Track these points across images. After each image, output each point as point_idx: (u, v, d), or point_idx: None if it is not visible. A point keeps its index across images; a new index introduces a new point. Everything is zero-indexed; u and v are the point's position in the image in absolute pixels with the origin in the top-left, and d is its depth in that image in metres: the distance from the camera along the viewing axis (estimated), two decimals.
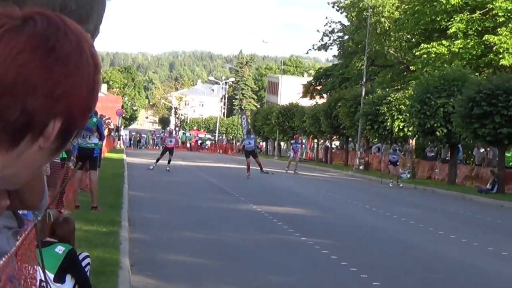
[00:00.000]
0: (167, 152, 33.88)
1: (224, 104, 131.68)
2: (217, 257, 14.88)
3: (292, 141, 43.60)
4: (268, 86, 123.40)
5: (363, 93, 54.68)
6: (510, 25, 46.74)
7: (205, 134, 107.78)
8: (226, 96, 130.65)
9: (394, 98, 50.81)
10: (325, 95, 75.89)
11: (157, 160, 34.21)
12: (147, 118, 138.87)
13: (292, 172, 41.28)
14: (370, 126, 51.20)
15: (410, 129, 47.31)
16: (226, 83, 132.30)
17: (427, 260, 15.11)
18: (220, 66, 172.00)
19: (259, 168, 32.44)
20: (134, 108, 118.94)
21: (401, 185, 34.06)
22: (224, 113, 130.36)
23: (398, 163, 34.94)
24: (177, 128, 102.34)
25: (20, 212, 2.42)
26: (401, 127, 49.04)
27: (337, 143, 73.65)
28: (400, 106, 48.95)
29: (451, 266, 14.32)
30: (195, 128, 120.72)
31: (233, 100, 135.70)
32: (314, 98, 79.11)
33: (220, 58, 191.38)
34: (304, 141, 40.42)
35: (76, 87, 1.37)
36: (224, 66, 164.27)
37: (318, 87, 79.07)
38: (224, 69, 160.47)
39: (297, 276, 12.42)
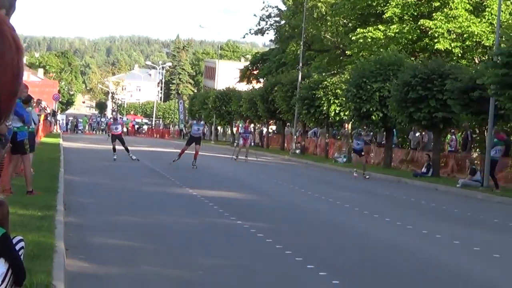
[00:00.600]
0: (116, 139, 30.45)
1: (161, 89, 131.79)
2: (151, 240, 14.86)
3: (241, 131, 41.66)
4: (205, 71, 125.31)
5: (300, 77, 54.66)
6: (445, 10, 47.26)
7: (142, 119, 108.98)
8: (163, 80, 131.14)
9: (331, 82, 50.77)
10: (261, 80, 76.18)
11: (114, 149, 30.93)
12: (84, 103, 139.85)
13: (243, 158, 39.58)
14: (307, 111, 51.39)
15: (346, 113, 47.31)
16: (163, 67, 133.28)
17: (361, 242, 15.15)
18: (157, 51, 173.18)
19: (193, 156, 28.72)
20: (71, 93, 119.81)
21: (367, 176, 31.24)
22: (161, 97, 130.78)
23: (363, 153, 32.29)
24: (113, 113, 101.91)
25: None
26: (337, 111, 48.98)
27: (274, 127, 74.42)
28: (336, 91, 48.74)
29: (384, 247, 14.31)
30: (132, 112, 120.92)
31: (170, 85, 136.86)
32: (251, 83, 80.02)
33: (157, 43, 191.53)
34: (251, 130, 39.37)
35: (0, 73, 1.54)
36: (161, 51, 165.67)
37: (255, 72, 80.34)
38: (161, 54, 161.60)
39: (232, 259, 12.27)
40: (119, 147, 32.26)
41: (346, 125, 49.27)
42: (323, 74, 56.92)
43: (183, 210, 17.63)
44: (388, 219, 19.56)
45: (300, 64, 57.28)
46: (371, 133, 45.69)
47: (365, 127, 45.36)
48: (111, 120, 31.29)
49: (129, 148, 32.98)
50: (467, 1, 47.88)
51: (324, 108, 49.48)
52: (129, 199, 21.58)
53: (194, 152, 27.96)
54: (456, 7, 46.47)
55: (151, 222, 17.52)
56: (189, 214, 17.25)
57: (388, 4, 48.18)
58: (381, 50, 46.54)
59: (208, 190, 21.58)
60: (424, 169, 36.31)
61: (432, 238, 15.83)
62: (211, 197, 21.07)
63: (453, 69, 36.65)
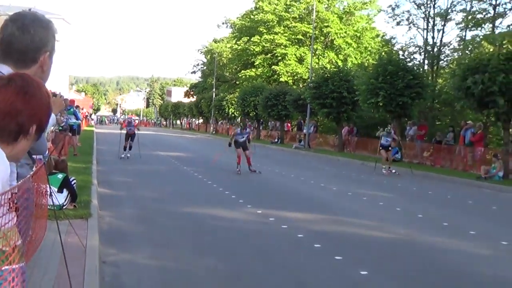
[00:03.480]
0: (129, 138, 25.55)
1: (145, 102, 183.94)
2: (150, 176, 20.78)
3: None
4: (166, 92, 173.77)
5: (214, 95, 71.54)
6: (284, 61, 60.08)
7: (134, 116, 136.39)
8: (145, 97, 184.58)
9: (230, 98, 65.66)
10: (195, 97, 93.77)
11: (125, 148, 25.69)
12: (105, 109, 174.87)
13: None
14: (217, 112, 69.72)
15: (237, 113, 62.69)
16: (145, 91, 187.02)
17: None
18: (142, 82, 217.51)
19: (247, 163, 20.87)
20: (98, 104, 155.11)
21: (394, 171, 24.60)
22: (145, 106, 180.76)
23: (391, 148, 25.14)
24: (128, 117, 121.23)
25: (34, 156, 3.92)
26: (231, 112, 64.70)
27: (201, 120, 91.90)
28: (232, 102, 63.31)
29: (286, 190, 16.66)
30: (129, 114, 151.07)
31: (149, 99, 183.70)
32: (189, 97, 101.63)
33: (142, 78, 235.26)
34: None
35: (41, 107, 2.50)
36: (144, 82, 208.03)
37: (192, 93, 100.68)
38: (144, 84, 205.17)
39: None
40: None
41: (239, 118, 61.55)
42: (225, 93, 70.48)
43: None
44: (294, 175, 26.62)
45: (214, 89, 72.75)
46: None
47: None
48: (126, 121, 26.71)
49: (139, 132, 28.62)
50: (294, 56, 59.59)
51: (226, 110, 66.06)
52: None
53: (237, 158, 20.42)
54: (289, 59, 59.31)
55: (148, 169, 21.59)
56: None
57: (257, 58, 62.30)
58: (253, 81, 60.23)
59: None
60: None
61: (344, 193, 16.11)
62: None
63: (289, 90, 48.89)
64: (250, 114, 56.46)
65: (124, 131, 24.92)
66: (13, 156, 2.44)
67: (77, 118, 25.07)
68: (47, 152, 5.86)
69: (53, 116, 5.08)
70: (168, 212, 11.99)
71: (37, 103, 2.42)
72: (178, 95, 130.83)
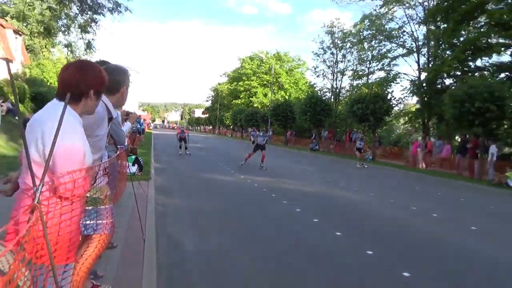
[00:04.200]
0: (182, 141, 19.35)
1: (180, 116, 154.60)
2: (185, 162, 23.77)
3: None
4: (192, 111, 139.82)
5: (218, 114, 68.16)
6: (256, 96, 58.22)
7: (182, 126, 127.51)
8: (180, 114, 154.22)
9: (226, 115, 64.32)
10: (208, 114, 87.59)
11: (180, 147, 19.72)
12: (158, 120, 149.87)
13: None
14: (220, 123, 67.38)
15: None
16: (180, 111, 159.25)
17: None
18: (178, 105, 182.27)
19: (261, 160, 15.32)
20: (154, 118, 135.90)
21: (365, 166, 19.79)
22: (180, 119, 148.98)
23: (362, 150, 20.41)
24: (180, 125, 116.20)
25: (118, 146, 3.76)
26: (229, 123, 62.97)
27: (211, 127, 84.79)
28: (228, 117, 62.20)
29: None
30: (177, 124, 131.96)
31: (182, 115, 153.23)
32: (205, 115, 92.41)
33: (178, 104, 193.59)
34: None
35: (95, 78, 2.15)
36: (179, 105, 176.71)
37: (206, 112, 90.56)
38: (179, 106, 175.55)
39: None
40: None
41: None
42: (224, 113, 67.65)
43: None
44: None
45: (218, 110, 69.77)
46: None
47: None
48: (180, 129, 20.59)
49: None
50: (262, 93, 57.72)
51: (225, 121, 64.89)
52: (174, 147, 21.40)
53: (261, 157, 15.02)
54: (259, 95, 57.76)
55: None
56: None
57: (241, 94, 60.52)
58: (239, 106, 56.97)
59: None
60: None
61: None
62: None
63: (259, 111, 47.44)
64: (238, 124, 55.43)
65: (177, 136, 20.20)
66: (84, 113, 2.19)
67: (140, 125, 23.45)
68: (126, 143, 5.87)
69: (129, 124, 5.14)
70: (194, 177, 11.78)
71: (91, 76, 2.14)
72: (198, 113, 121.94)
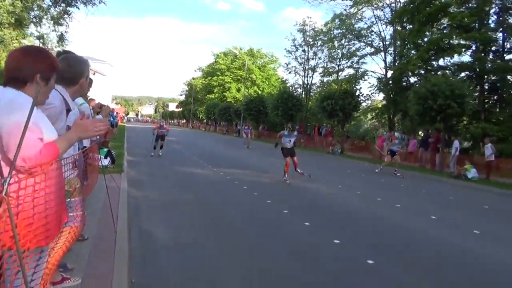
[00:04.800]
0: (159, 139, 15.38)
1: (154, 110, 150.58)
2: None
3: (245, 127, 28.23)
4: (166, 105, 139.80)
5: (191, 108, 67.35)
6: (230, 91, 57.28)
7: (163, 121, 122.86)
8: (154, 108, 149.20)
9: (200, 109, 64.06)
10: (182, 108, 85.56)
11: (155, 148, 15.26)
12: (132, 114, 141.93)
13: (246, 147, 24.56)
14: (194, 117, 67.78)
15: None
16: (154, 104, 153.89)
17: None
18: (152, 99, 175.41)
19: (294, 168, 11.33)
20: (128, 111, 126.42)
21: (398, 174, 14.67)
22: (154, 112, 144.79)
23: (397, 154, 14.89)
24: (160, 121, 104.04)
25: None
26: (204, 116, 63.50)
27: (184, 120, 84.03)
28: (201, 111, 62.71)
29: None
30: (156, 119, 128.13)
31: (156, 109, 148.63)
32: (179, 108, 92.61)
33: (152, 98, 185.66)
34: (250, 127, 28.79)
35: (40, 63, 1.97)
36: (153, 99, 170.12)
37: (180, 106, 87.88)
38: (153, 100, 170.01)
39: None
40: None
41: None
42: (198, 107, 67.62)
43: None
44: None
45: (192, 104, 68.30)
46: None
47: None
48: (159, 124, 15.88)
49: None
50: (235, 88, 57.08)
51: (198, 115, 65.76)
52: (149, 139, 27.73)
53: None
54: (232, 90, 57.26)
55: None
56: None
57: (215, 88, 59.52)
58: (213, 101, 56.87)
59: None
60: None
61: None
62: None
63: (232, 106, 47.44)
64: (211, 118, 55.72)
65: (155, 133, 15.59)
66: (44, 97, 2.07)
67: (113, 118, 22.91)
68: (98, 137, 5.73)
69: (100, 117, 4.98)
70: (167, 170, 11.64)
71: (37, 60, 1.98)
72: (172, 107, 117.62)
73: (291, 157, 11.20)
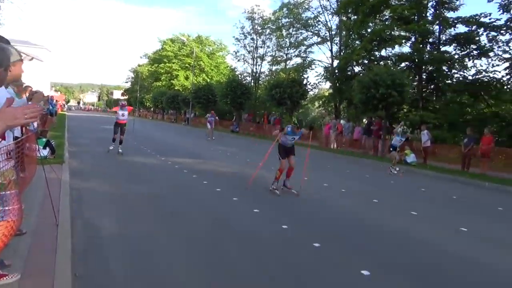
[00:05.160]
0: (119, 129, 12.56)
1: (97, 98, 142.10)
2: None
3: (209, 116, 23.14)
4: (111, 93, 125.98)
5: (138, 96, 64.57)
6: (177, 78, 55.81)
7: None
8: (98, 95, 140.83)
9: (147, 97, 62.63)
10: (127, 95, 79.50)
11: (114, 140, 12.51)
12: (73, 102, 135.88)
13: (210, 139, 21.39)
14: (140, 104, 65.41)
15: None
16: (98, 92, 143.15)
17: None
18: (95, 87, 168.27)
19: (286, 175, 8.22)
20: (69, 99, 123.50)
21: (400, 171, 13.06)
22: (97, 100, 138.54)
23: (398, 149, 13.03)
24: (121, 101, 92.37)
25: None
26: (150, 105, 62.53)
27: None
28: (148, 99, 61.05)
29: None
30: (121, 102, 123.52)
31: (100, 96, 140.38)
32: (125, 96, 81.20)
33: (96, 85, 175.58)
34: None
35: None
36: (97, 87, 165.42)
37: (125, 94, 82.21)
38: (96, 87, 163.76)
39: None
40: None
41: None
42: (145, 94, 65.22)
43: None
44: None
45: (138, 92, 65.01)
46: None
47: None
48: (120, 105, 12.73)
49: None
50: (183, 76, 56.17)
51: (145, 103, 65.46)
52: (87, 125, 24.81)
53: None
54: (180, 78, 56.22)
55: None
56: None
57: (162, 76, 58.45)
58: (160, 89, 55.80)
59: None
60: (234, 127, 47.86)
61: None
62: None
63: (180, 94, 46.84)
64: (159, 107, 54.95)
65: (115, 118, 12.50)
66: None
67: (52, 106, 21.20)
68: (35, 125, 5.48)
69: (24, 100, 4.65)
70: (112, 160, 11.25)
71: None
72: (117, 94, 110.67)
73: (288, 157, 8.23)
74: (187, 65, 56.96)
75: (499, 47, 21.88)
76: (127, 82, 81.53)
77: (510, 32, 21.18)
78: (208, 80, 52.77)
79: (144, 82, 67.69)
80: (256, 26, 40.05)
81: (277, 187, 8.09)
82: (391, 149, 12.83)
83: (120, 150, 12.31)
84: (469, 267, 4.45)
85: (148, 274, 3.71)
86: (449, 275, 4.16)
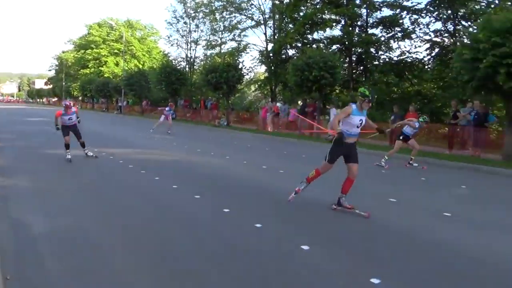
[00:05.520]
0: (70, 132, 9.56)
1: (17, 88, 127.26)
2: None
3: (166, 108, 19.48)
4: (32, 82, 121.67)
5: (63, 84, 61.15)
6: (107, 65, 53.60)
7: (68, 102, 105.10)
8: (18, 85, 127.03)
9: (74, 86, 58.01)
10: (52, 85, 77.67)
11: (67, 146, 9.43)
12: None
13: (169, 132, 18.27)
14: (67, 94, 60.14)
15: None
16: (17, 82, 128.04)
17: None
18: (14, 76, 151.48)
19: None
20: None
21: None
22: (17, 91, 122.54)
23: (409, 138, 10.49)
24: (66, 101, 76.85)
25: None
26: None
27: (56, 99, 73.25)
28: (76, 88, 56.51)
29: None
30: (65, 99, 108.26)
31: (20, 87, 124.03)
32: (49, 85, 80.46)
33: (15, 74, 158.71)
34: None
35: None
36: (16, 76, 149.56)
37: (49, 83, 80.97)
38: (16, 77, 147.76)
39: None
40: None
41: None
42: (71, 83, 59.62)
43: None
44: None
45: (63, 81, 61.39)
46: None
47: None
48: (64, 107, 9.43)
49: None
50: (113, 62, 53.32)
51: (72, 92, 57.73)
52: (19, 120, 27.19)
53: None
54: (109, 64, 53.77)
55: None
56: None
57: (89, 63, 55.39)
58: (88, 76, 52.42)
59: None
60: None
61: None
62: None
63: (111, 81, 43.95)
64: (87, 96, 52.10)
65: (59, 125, 9.82)
66: None
67: None
68: None
69: None
70: (39, 155, 10.62)
71: None
72: (40, 84, 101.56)
73: (347, 163, 5.59)
74: (116, 50, 54.48)
75: (420, 29, 23.45)
76: (50, 70, 76.39)
77: (430, 15, 22.76)
78: (140, 66, 50.84)
79: (70, 69, 63.73)
80: (188, 10, 39.15)
81: (299, 189, 5.89)
82: (400, 137, 10.75)
83: (90, 154, 10.18)
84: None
85: (86, 269, 3.59)
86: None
